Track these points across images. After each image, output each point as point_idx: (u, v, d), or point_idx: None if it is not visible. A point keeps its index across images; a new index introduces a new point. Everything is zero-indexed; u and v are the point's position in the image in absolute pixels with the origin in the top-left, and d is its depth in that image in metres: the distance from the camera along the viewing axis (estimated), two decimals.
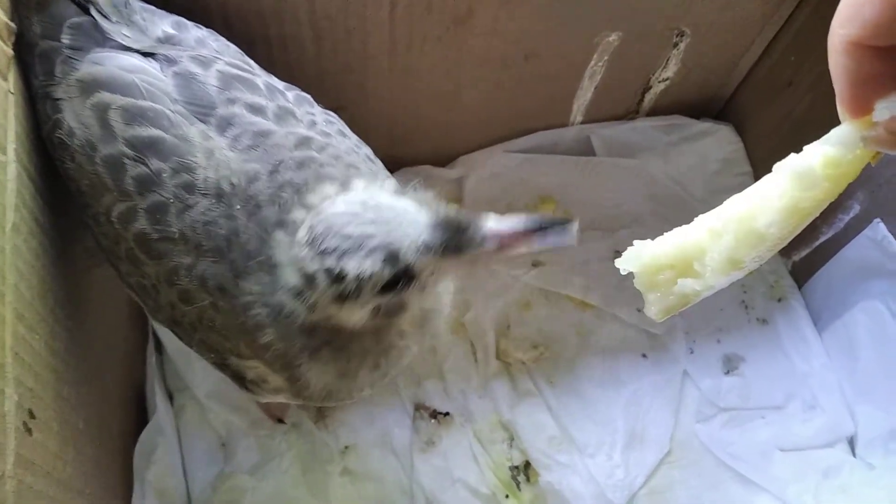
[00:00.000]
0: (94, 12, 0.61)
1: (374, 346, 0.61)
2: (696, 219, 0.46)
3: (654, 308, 0.47)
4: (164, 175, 0.57)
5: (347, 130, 0.68)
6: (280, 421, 0.90)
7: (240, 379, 0.66)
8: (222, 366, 0.65)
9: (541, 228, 0.51)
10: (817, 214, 0.43)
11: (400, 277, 0.52)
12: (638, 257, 0.46)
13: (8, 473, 0.47)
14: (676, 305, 0.47)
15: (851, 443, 0.93)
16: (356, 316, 0.55)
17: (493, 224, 0.51)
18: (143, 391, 0.88)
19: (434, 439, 0.92)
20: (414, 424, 0.93)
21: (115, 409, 0.78)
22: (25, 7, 0.61)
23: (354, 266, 0.50)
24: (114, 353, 0.81)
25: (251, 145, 0.58)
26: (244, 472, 0.86)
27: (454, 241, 0.51)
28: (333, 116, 0.68)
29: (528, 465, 0.92)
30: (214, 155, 0.58)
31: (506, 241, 0.51)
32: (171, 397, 0.90)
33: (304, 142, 0.60)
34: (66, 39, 0.61)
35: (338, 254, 0.50)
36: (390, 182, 0.58)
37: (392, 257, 0.51)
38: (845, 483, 0.89)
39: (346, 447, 0.91)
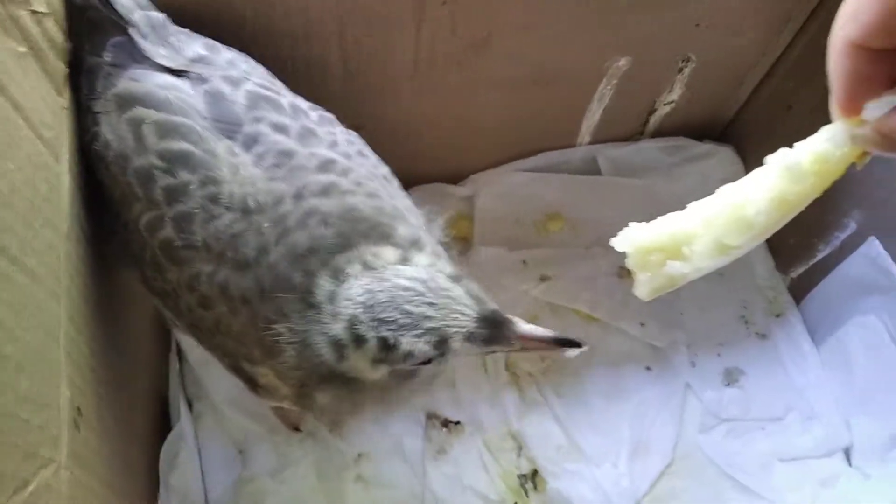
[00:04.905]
0: (132, 32, 0.64)
1: (385, 381, 0.62)
2: (688, 205, 0.49)
3: (644, 288, 0.50)
4: (192, 186, 0.60)
5: (367, 150, 0.70)
6: (296, 429, 0.93)
7: (251, 383, 0.68)
8: (236, 369, 0.68)
9: (558, 342, 0.59)
10: (803, 208, 0.46)
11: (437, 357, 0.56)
12: (631, 238, 0.49)
13: (63, 465, 0.50)
14: (664, 286, 0.49)
15: (848, 453, 0.96)
16: (378, 374, 0.58)
17: (524, 328, 0.58)
18: (166, 398, 0.91)
19: (445, 447, 0.95)
20: (426, 433, 0.95)
21: (141, 414, 0.81)
22: (78, 27, 0.65)
23: (408, 343, 0.54)
24: (140, 361, 0.84)
25: (275, 164, 0.61)
26: (265, 475, 0.89)
27: (492, 335, 0.57)
28: (354, 136, 0.70)
29: (535, 473, 0.94)
30: (240, 171, 0.60)
31: (529, 345, 0.58)
32: (189, 404, 0.93)
33: (326, 165, 0.62)
34: (107, 57, 0.64)
35: (395, 327, 0.54)
36: (446, 263, 0.61)
37: (441, 342, 0.55)
38: (842, 492, 0.92)
39: (360, 454, 0.93)
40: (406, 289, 0.54)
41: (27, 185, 0.51)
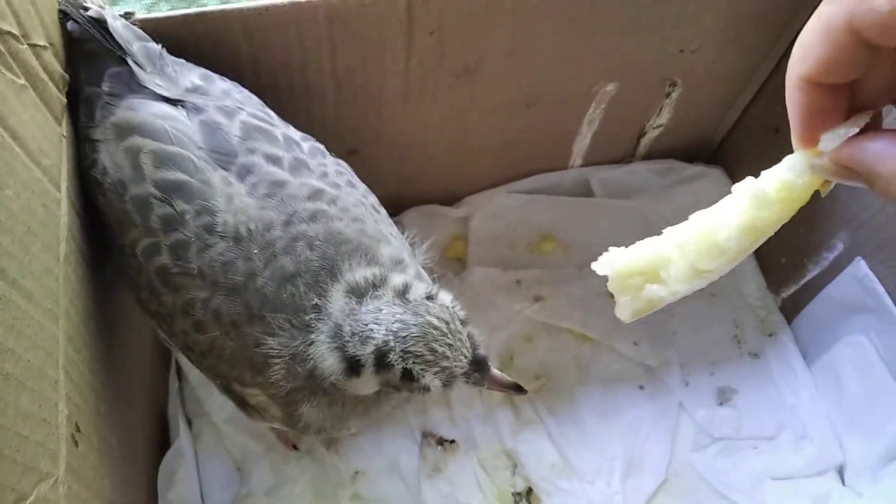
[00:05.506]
0: (130, 63, 0.66)
1: (367, 395, 0.65)
2: (664, 231, 0.51)
3: (624, 310, 0.52)
4: (188, 216, 0.62)
5: (356, 180, 0.73)
6: (294, 448, 0.94)
7: (242, 404, 0.71)
8: (227, 390, 0.70)
9: (513, 388, 0.65)
10: (772, 233, 0.47)
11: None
12: (611, 263, 0.51)
13: (61, 479, 0.52)
14: (644, 309, 0.51)
15: (840, 471, 0.96)
16: (369, 391, 0.62)
17: (494, 373, 0.64)
18: (165, 416, 0.92)
19: (440, 466, 0.96)
20: (421, 451, 0.96)
21: (141, 431, 0.83)
22: (76, 57, 0.67)
23: (428, 378, 0.58)
24: (140, 379, 0.86)
25: (267, 194, 0.63)
26: (262, 492, 0.90)
27: (478, 378, 0.62)
28: (344, 167, 0.73)
29: (530, 491, 0.95)
30: (234, 201, 0.62)
31: (493, 386, 0.65)
32: (189, 422, 0.94)
33: (316, 194, 0.65)
34: (106, 87, 0.66)
35: (421, 362, 0.58)
36: (459, 309, 0.64)
37: (449, 381, 0.60)
38: None
39: (357, 472, 0.94)
40: (435, 327, 0.58)
41: (25, 211, 0.53)
